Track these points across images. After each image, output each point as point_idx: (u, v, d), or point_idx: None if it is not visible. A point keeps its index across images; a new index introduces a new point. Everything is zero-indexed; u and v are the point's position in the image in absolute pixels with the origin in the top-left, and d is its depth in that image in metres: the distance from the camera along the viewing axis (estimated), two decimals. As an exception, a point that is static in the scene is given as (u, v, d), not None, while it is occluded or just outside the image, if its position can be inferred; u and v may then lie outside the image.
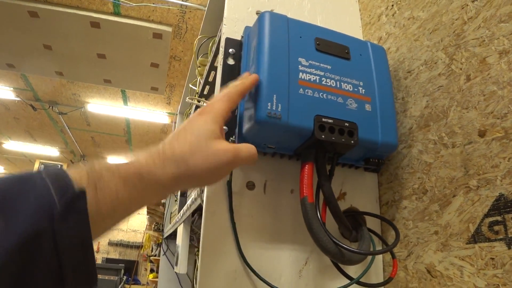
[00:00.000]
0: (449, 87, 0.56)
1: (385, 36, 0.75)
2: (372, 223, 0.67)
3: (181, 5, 2.31)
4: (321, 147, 0.55)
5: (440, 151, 0.56)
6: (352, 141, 0.54)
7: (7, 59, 2.96)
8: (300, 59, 0.56)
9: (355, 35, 0.66)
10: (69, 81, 3.44)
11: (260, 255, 0.59)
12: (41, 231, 0.26)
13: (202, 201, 0.61)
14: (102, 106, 3.97)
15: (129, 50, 2.74)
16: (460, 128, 0.53)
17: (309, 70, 0.56)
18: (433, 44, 0.61)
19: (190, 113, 1.19)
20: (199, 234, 1.04)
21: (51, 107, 3.98)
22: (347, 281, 0.58)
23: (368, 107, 0.58)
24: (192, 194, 0.83)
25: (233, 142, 0.59)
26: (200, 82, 1.08)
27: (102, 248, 8.20)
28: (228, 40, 0.66)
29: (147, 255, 5.84)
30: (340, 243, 0.52)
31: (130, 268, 6.35)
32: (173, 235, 1.55)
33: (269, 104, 0.52)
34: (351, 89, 0.58)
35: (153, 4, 2.30)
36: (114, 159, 5.72)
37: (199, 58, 1.08)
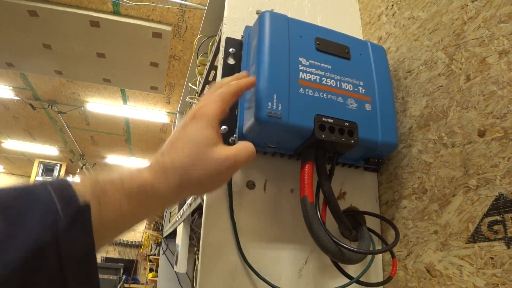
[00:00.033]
0: (449, 87, 0.56)
1: (385, 36, 0.75)
2: (372, 222, 0.67)
3: (181, 4, 2.31)
4: (321, 147, 0.56)
5: (439, 151, 0.57)
6: (352, 141, 0.54)
7: (7, 58, 2.95)
8: (300, 58, 0.56)
9: (355, 35, 0.66)
10: (68, 80, 3.43)
11: (260, 254, 0.59)
12: (46, 244, 0.26)
13: (202, 200, 0.61)
14: (101, 105, 3.96)
15: (128, 49, 2.74)
16: (460, 128, 0.53)
17: (309, 69, 0.56)
18: (433, 44, 0.61)
19: (190, 113, 1.19)
20: (199, 233, 1.04)
21: (50, 106, 3.97)
22: (347, 280, 0.58)
23: (368, 106, 0.58)
24: (192, 194, 0.83)
25: (233, 141, 0.59)
26: (200, 82, 1.08)
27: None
28: (228, 39, 0.66)
29: (146, 254, 5.84)
30: (340, 243, 0.52)
31: (129, 267, 6.35)
32: (173, 234, 1.55)
33: (269, 103, 0.52)
34: (351, 89, 0.58)
35: (153, 3, 2.30)
36: (114, 158, 5.71)
37: (199, 58, 1.08)
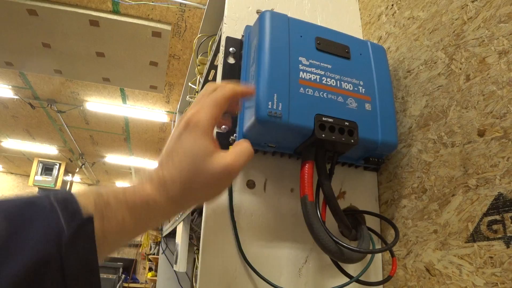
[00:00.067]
0: (448, 87, 0.56)
1: (385, 35, 0.75)
2: (371, 222, 0.67)
3: (180, 3, 2.31)
4: (321, 146, 0.56)
5: (439, 151, 0.57)
6: (352, 140, 0.55)
7: (6, 57, 2.95)
8: (300, 58, 0.56)
9: (355, 35, 0.66)
10: (68, 79, 3.43)
11: (260, 253, 0.59)
12: (49, 256, 0.27)
13: (203, 199, 0.61)
14: (100, 104, 3.96)
15: (128, 49, 2.73)
16: (460, 128, 0.53)
17: (309, 69, 0.56)
18: (433, 44, 0.61)
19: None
20: (199, 232, 1.04)
21: (49, 106, 3.97)
22: (347, 280, 0.58)
23: (368, 106, 0.58)
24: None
25: (233, 141, 0.59)
26: (199, 81, 1.08)
27: (101, 246, 8.17)
28: (228, 39, 0.67)
29: (145, 253, 5.84)
30: (340, 242, 0.52)
31: (128, 267, 6.35)
32: (172, 233, 1.55)
33: (269, 103, 0.52)
34: (351, 89, 0.58)
35: (152, 2, 2.30)
36: (113, 157, 5.71)
37: (199, 57, 1.08)
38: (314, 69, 0.57)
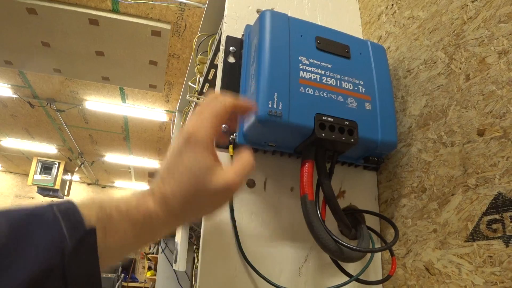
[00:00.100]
0: (448, 87, 0.57)
1: (385, 35, 0.75)
2: (371, 221, 0.67)
3: (180, 2, 2.30)
4: (321, 145, 0.56)
5: (439, 150, 0.57)
6: (352, 140, 0.55)
7: (5, 56, 2.94)
8: (300, 57, 0.57)
9: (355, 34, 0.66)
10: (67, 78, 3.42)
11: (260, 252, 0.59)
12: (52, 266, 0.27)
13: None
14: (100, 103, 3.95)
15: (127, 48, 2.73)
16: (459, 127, 0.53)
17: (309, 68, 0.56)
18: (432, 44, 0.61)
19: (189, 111, 1.20)
20: (198, 231, 1.04)
21: (49, 105, 3.96)
22: (346, 279, 0.58)
23: (368, 106, 0.59)
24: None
25: (234, 140, 0.60)
26: (199, 80, 1.08)
27: (100, 245, 8.17)
28: (228, 38, 0.67)
29: (144, 252, 5.84)
30: (340, 241, 0.52)
31: (127, 266, 6.35)
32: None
33: (270, 102, 0.52)
34: (351, 88, 0.58)
35: (152, 1, 2.30)
36: (112, 156, 5.71)
37: (198, 56, 1.08)
38: (314, 68, 0.57)
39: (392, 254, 0.60)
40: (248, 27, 0.66)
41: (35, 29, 2.55)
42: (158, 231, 0.37)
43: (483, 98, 0.50)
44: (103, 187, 7.92)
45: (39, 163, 5.75)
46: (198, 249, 0.90)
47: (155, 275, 2.06)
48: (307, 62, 0.57)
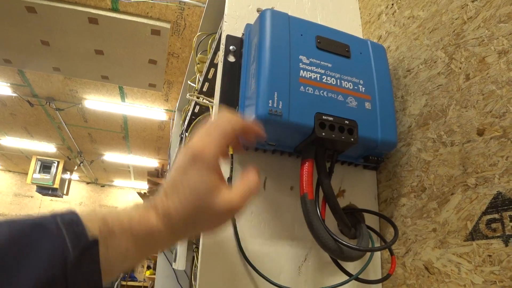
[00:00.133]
0: (448, 86, 0.57)
1: (385, 34, 0.75)
2: (370, 220, 0.67)
3: (180, 1, 2.30)
4: (321, 145, 0.56)
5: (438, 149, 0.57)
6: (352, 139, 0.55)
7: (4, 54, 2.94)
8: (301, 57, 0.57)
9: (355, 34, 0.66)
10: (66, 77, 3.42)
11: (259, 251, 0.59)
12: (55, 278, 0.27)
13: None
14: (99, 102, 3.95)
15: (127, 47, 2.73)
16: (459, 127, 0.54)
17: (309, 68, 0.56)
18: (432, 43, 0.61)
19: (188, 110, 1.19)
20: (198, 230, 1.04)
21: (48, 103, 3.96)
22: (346, 278, 0.58)
23: (368, 105, 0.59)
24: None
25: (234, 139, 0.59)
26: (199, 79, 1.08)
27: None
28: (229, 37, 0.67)
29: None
30: (339, 240, 0.52)
31: (126, 265, 6.34)
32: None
33: (270, 101, 0.52)
34: (351, 87, 0.58)
35: (152, 0, 2.29)
36: (111, 155, 5.70)
37: (198, 55, 1.08)
38: (314, 67, 0.57)
39: (391, 253, 0.61)
40: (248, 26, 0.66)
41: (35, 28, 2.55)
42: (159, 246, 0.37)
43: (483, 97, 0.50)
44: (102, 186, 7.92)
45: (38, 162, 5.75)
46: (197, 248, 0.90)
47: (154, 274, 2.06)
48: (307, 61, 0.57)
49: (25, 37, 2.66)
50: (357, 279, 0.59)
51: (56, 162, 5.81)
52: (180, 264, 1.07)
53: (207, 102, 0.70)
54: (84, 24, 2.49)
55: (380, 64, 0.63)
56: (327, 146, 0.57)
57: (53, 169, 5.77)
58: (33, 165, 5.71)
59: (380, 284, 0.65)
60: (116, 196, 7.97)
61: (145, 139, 4.96)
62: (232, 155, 0.60)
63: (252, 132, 0.45)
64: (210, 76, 0.95)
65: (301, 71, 0.56)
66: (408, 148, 0.64)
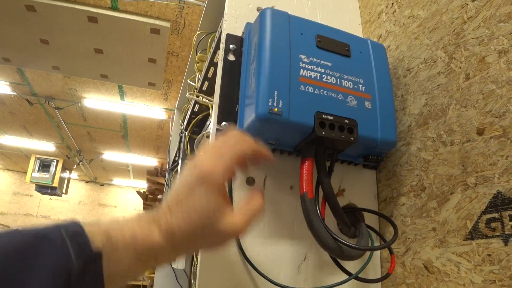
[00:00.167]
0: (448, 86, 0.57)
1: (385, 34, 0.75)
2: (370, 219, 0.67)
3: (179, 0, 2.30)
4: (321, 144, 0.56)
5: (438, 149, 0.57)
6: (352, 138, 0.55)
7: (3, 53, 2.93)
8: (301, 56, 0.57)
9: (355, 33, 0.66)
10: (65, 76, 3.42)
11: (259, 250, 0.59)
12: None
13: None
14: (98, 101, 3.95)
15: (126, 45, 2.73)
16: (459, 126, 0.54)
17: (310, 67, 0.56)
18: (432, 43, 0.61)
19: (188, 109, 1.19)
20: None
21: (47, 102, 3.95)
22: (346, 277, 0.59)
23: (368, 104, 0.59)
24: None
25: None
26: (198, 78, 1.08)
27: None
28: (229, 36, 0.67)
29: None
30: (339, 239, 0.52)
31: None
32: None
33: (270, 100, 0.52)
34: (351, 87, 0.58)
35: (151, -1, 2.29)
36: (111, 154, 5.70)
37: (198, 54, 1.08)
38: (314, 66, 0.57)
39: (391, 253, 0.61)
40: (248, 25, 0.66)
41: (34, 26, 2.54)
42: (159, 261, 0.38)
43: (483, 97, 0.50)
44: (102, 184, 7.91)
45: (37, 160, 5.74)
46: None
47: (154, 273, 2.06)
48: (308, 61, 0.57)
49: (25, 35, 2.66)
50: (357, 278, 0.59)
51: (55, 161, 5.81)
52: (180, 263, 1.07)
53: (207, 101, 0.70)
54: (83, 23, 2.49)
55: (380, 64, 0.63)
56: (327, 145, 0.57)
57: (52, 168, 5.77)
58: (32, 164, 5.71)
59: (380, 283, 0.65)
60: (115, 195, 7.97)
61: (145, 138, 4.95)
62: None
63: (262, 156, 0.44)
64: (209, 75, 0.95)
65: (301, 70, 0.56)
66: (408, 147, 0.64)
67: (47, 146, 5.48)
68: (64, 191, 6.28)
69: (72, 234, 0.31)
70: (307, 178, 0.54)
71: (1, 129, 4.96)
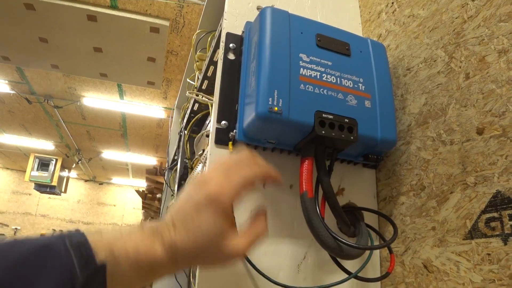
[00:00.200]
0: (448, 85, 0.57)
1: (384, 33, 0.75)
2: (370, 218, 0.67)
3: (179, -1, 2.30)
4: (321, 143, 0.56)
5: (438, 148, 0.57)
6: (352, 137, 0.55)
7: (2, 51, 2.93)
8: (301, 55, 0.56)
9: (354, 32, 0.66)
10: (65, 74, 3.41)
11: (259, 249, 0.59)
12: None
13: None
14: (98, 100, 3.94)
15: (125, 44, 2.72)
16: (459, 126, 0.54)
17: (310, 66, 0.56)
18: (432, 42, 0.61)
19: (187, 108, 1.19)
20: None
21: (46, 101, 3.95)
22: (345, 276, 0.59)
23: (367, 103, 0.59)
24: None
25: (234, 136, 0.60)
26: (198, 77, 1.08)
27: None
28: (229, 35, 0.66)
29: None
30: (339, 238, 0.52)
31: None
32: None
33: (270, 99, 0.52)
34: (351, 86, 0.58)
35: (151, -2, 2.29)
36: (110, 153, 5.69)
37: (197, 53, 1.08)
38: (314, 65, 0.57)
39: (390, 252, 0.61)
40: (248, 24, 0.66)
41: (33, 25, 2.54)
42: (160, 275, 0.38)
43: (483, 96, 0.50)
44: (101, 183, 7.91)
45: (36, 159, 5.74)
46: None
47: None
48: (308, 60, 0.57)
49: (24, 34, 2.65)
50: (356, 277, 0.59)
51: (54, 160, 5.81)
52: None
53: (207, 99, 0.70)
54: (82, 22, 2.48)
55: (380, 63, 0.63)
56: (327, 144, 0.57)
57: (51, 167, 5.77)
58: (31, 162, 5.70)
59: (379, 282, 0.65)
60: (114, 194, 7.96)
61: (144, 137, 4.95)
62: (231, 152, 0.60)
63: (271, 180, 0.45)
64: (209, 74, 0.95)
65: (301, 69, 0.56)
66: (408, 146, 0.64)
67: (46, 145, 5.47)
68: (63, 190, 6.28)
69: (76, 245, 0.31)
70: (307, 177, 0.54)
71: (0, 128, 4.95)
